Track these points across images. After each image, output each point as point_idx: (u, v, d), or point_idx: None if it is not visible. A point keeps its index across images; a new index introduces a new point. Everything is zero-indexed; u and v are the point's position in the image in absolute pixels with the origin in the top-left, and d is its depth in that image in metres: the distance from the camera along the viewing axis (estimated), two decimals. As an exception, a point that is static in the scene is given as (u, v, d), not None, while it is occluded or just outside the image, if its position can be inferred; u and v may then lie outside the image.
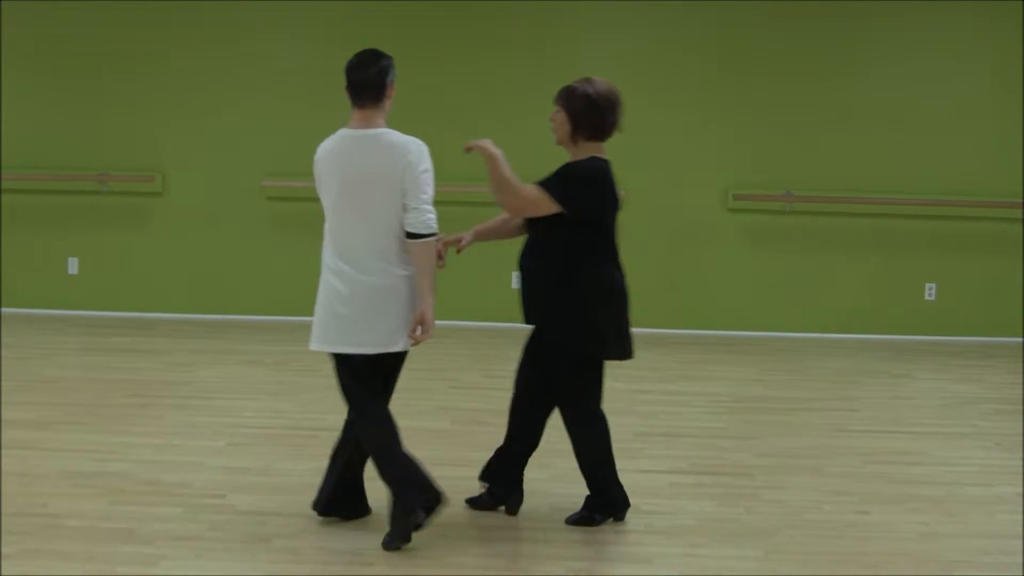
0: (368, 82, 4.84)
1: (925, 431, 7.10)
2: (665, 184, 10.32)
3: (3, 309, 10.60)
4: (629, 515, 5.29)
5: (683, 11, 10.21)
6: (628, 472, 5.98)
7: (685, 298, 10.39)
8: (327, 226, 4.93)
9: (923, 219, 10.34)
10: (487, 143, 5.00)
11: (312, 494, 5.28)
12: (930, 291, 10.44)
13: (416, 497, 4.76)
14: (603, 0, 10.21)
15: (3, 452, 6.05)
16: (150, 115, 10.48)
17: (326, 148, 4.91)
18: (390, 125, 4.89)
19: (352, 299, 4.82)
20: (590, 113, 5.06)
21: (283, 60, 10.39)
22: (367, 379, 4.94)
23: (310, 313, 5.12)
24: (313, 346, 4.95)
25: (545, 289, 5.06)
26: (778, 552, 4.92)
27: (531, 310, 5.15)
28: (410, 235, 4.77)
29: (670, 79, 10.29)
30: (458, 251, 5.37)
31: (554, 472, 5.93)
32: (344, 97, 4.88)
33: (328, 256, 4.93)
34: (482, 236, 5.39)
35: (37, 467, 5.81)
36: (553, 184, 5.00)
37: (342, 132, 4.88)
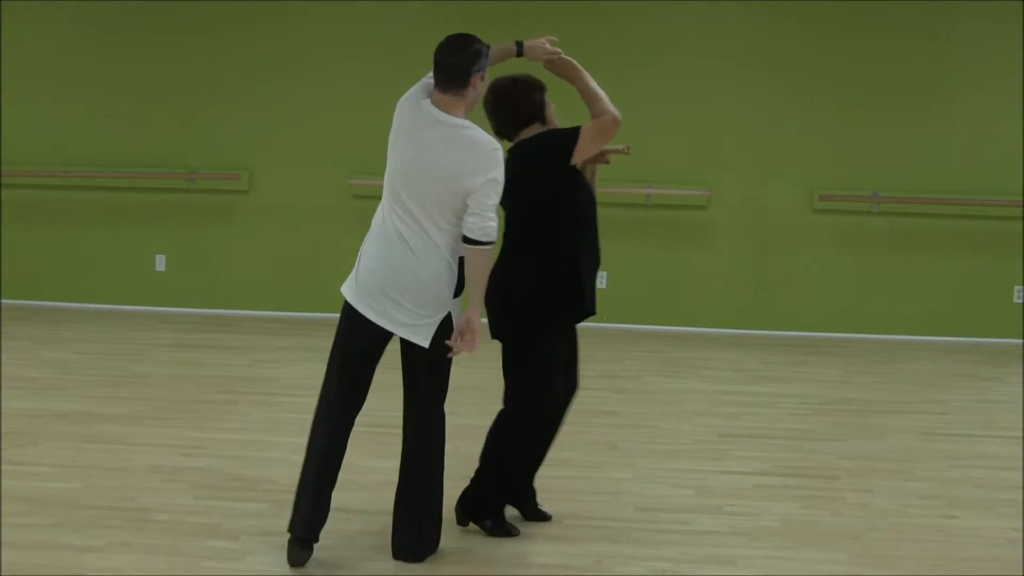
0: (453, 67, 4.51)
1: (1014, 435, 6.97)
2: (752, 184, 10.24)
3: (91, 305, 10.79)
4: (714, 516, 5.26)
5: (769, 11, 10.12)
6: (713, 473, 5.95)
7: (771, 299, 10.30)
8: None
9: (1012, 220, 10.15)
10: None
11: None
12: (1019, 294, 10.26)
13: None
14: (691, 0, 10.16)
15: (94, 446, 6.17)
16: (237, 114, 10.60)
17: (412, 109, 4.60)
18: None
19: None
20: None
21: (368, 59, 10.46)
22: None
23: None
24: None
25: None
26: (863, 556, 4.86)
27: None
28: (468, 240, 4.44)
29: (756, 80, 10.21)
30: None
31: (638, 472, 5.91)
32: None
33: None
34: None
35: (126, 461, 5.90)
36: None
37: (427, 104, 4.56)
